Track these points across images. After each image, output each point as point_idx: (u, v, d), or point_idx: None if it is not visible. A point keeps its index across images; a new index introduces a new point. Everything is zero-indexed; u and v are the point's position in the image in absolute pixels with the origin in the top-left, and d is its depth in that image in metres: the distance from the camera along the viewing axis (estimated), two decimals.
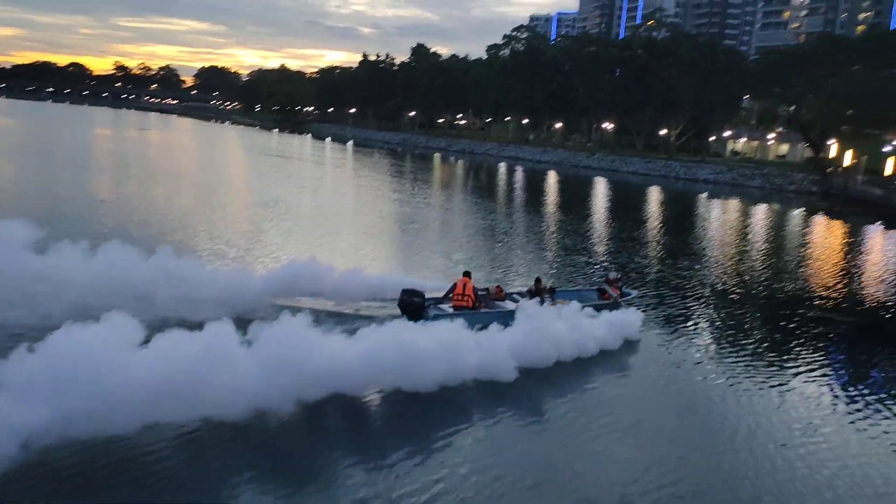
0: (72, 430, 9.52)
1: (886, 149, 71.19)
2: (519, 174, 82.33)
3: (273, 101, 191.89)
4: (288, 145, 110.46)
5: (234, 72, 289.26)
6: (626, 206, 55.25)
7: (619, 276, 20.56)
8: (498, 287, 18.50)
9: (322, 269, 18.09)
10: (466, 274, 17.49)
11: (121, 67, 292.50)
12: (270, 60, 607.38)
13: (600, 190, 68.49)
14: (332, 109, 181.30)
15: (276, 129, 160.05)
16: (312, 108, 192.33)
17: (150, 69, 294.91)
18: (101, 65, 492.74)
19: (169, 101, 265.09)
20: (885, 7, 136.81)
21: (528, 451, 11.42)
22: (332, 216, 36.98)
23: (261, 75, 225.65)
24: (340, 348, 12.31)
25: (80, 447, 9.69)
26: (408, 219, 37.61)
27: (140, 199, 37.18)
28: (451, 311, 16.53)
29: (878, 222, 48.88)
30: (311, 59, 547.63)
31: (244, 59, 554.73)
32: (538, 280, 18.92)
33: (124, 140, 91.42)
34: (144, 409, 10.08)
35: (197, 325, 11.86)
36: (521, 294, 18.29)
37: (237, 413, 10.79)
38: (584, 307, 17.26)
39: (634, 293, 20.49)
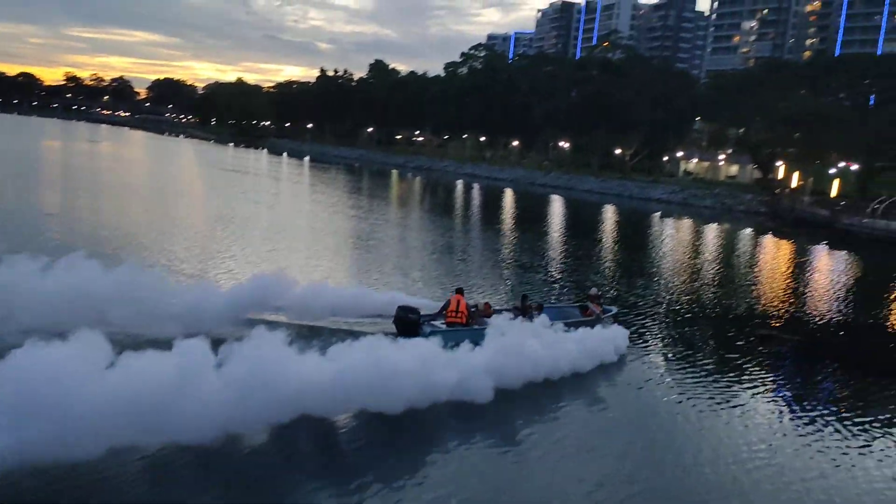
0: (33, 456, 9.06)
1: (832, 171, 73.59)
2: (476, 191, 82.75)
3: (229, 115, 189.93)
4: (244, 160, 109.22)
5: (190, 84, 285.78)
6: (583, 225, 55.92)
7: (599, 292, 20.77)
8: (486, 304, 18.50)
9: (289, 283, 17.80)
10: (459, 291, 17.63)
11: (72, 78, 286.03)
12: (227, 74, 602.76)
13: (556, 208, 69.22)
14: (289, 124, 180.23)
15: (232, 144, 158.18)
16: (269, 122, 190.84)
17: (102, 80, 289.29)
18: (51, 75, 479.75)
19: (121, 113, 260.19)
20: (830, 34, 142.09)
21: (493, 474, 11.31)
22: (288, 232, 36.59)
23: (217, 88, 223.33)
24: (315, 368, 11.95)
25: (41, 474, 9.29)
26: (365, 235, 37.40)
27: (91, 214, 36.26)
28: (444, 327, 16.61)
29: (824, 242, 50.37)
30: (268, 73, 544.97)
31: (200, 71, 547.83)
32: (524, 297, 19.11)
33: (74, 152, 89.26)
34: (111, 434, 9.64)
35: (164, 343, 11.50)
36: (510, 311, 18.28)
37: (206, 437, 10.41)
38: (567, 324, 17.52)
39: (614, 309, 20.75)
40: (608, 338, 17.44)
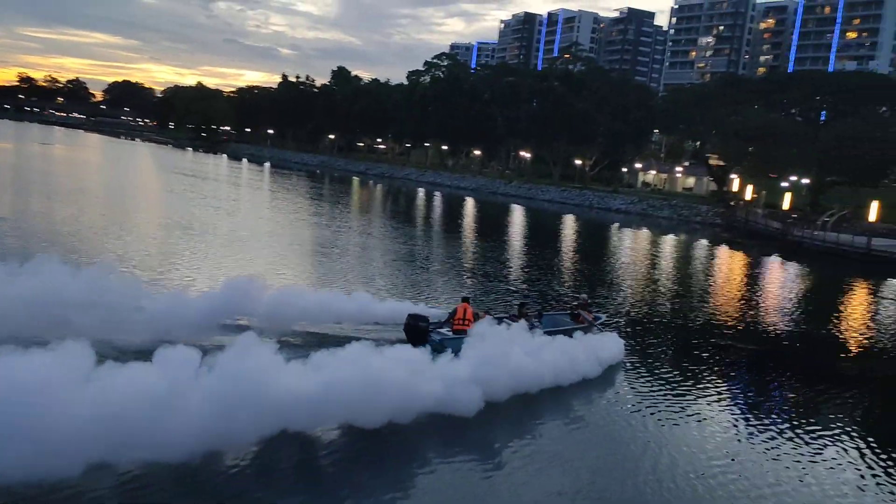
0: (4, 474, 8.64)
1: (784, 184, 75.58)
2: (438, 200, 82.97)
3: (188, 120, 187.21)
4: (203, 165, 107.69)
5: (148, 87, 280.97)
6: (544, 234, 56.45)
7: (588, 300, 21.16)
8: (485, 312, 18.73)
9: (261, 288, 17.65)
10: (465, 300, 18.07)
11: (25, 79, 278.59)
12: (186, 77, 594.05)
13: (518, 217, 69.77)
14: (249, 130, 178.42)
15: (191, 148, 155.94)
16: (229, 127, 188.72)
17: (57, 81, 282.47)
18: (4, 75, 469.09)
19: (76, 115, 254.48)
20: (783, 51, 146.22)
21: (468, 488, 11.34)
22: (249, 239, 36.20)
23: (176, 92, 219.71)
24: (301, 379, 11.57)
25: (13, 494, 8.91)
26: (329, 243, 37.23)
27: (43, 218, 35.38)
28: (451, 335, 16.87)
29: (776, 254, 51.68)
30: (228, 77, 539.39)
31: (158, 75, 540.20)
32: (522, 304, 19.48)
33: (26, 155, 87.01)
34: (90, 450, 9.22)
35: (141, 352, 11.23)
36: (508, 319, 18.50)
37: (188, 452, 10.10)
38: (560, 332, 17.97)
39: (603, 317, 21.17)
40: (604, 345, 17.95)
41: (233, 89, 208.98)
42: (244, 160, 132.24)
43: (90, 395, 9.45)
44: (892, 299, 36.62)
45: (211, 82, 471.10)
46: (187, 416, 10.01)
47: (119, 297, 15.17)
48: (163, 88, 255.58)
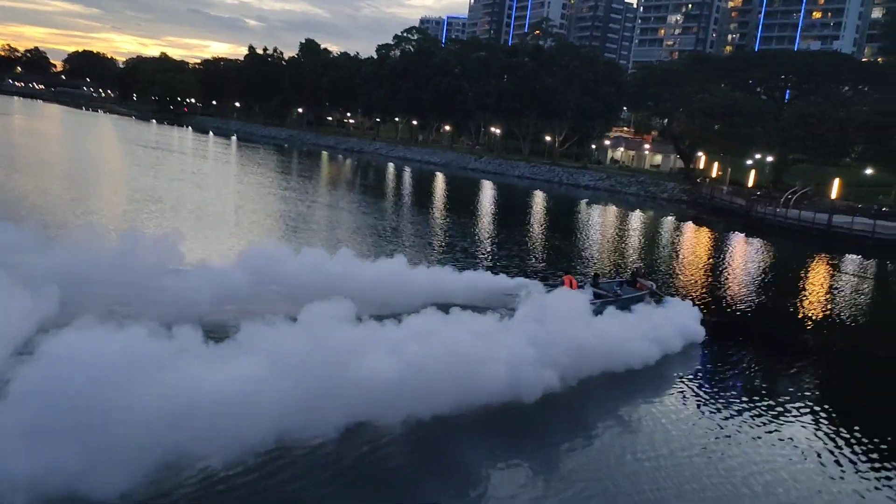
0: (61, 485, 8.13)
1: (748, 162, 76.82)
2: (407, 174, 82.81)
3: (152, 92, 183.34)
4: (168, 138, 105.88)
5: (110, 58, 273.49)
6: (514, 210, 56.78)
7: (642, 267, 22.58)
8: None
9: (286, 255, 17.90)
10: (567, 273, 20.61)
11: None
12: (149, 48, 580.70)
13: (488, 193, 70.03)
14: (215, 102, 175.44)
15: (154, 121, 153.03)
16: (194, 100, 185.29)
17: (15, 51, 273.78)
18: None
19: (35, 85, 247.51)
20: (750, 30, 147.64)
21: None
22: (218, 213, 35.92)
23: (139, 63, 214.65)
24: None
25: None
26: (298, 217, 37.10)
27: (4, 191, 34.70)
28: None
29: (740, 230, 52.75)
30: (193, 48, 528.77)
31: (121, 45, 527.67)
32: (595, 276, 21.66)
33: None
34: (161, 449, 8.93)
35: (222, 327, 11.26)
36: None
37: (262, 444, 10.02)
38: (631, 300, 20.08)
39: (654, 285, 22.77)
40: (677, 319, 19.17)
41: (198, 61, 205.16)
42: (210, 133, 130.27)
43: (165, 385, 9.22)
44: (851, 274, 37.73)
45: (175, 53, 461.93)
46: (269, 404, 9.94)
47: (138, 277, 14.87)
48: (125, 59, 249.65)
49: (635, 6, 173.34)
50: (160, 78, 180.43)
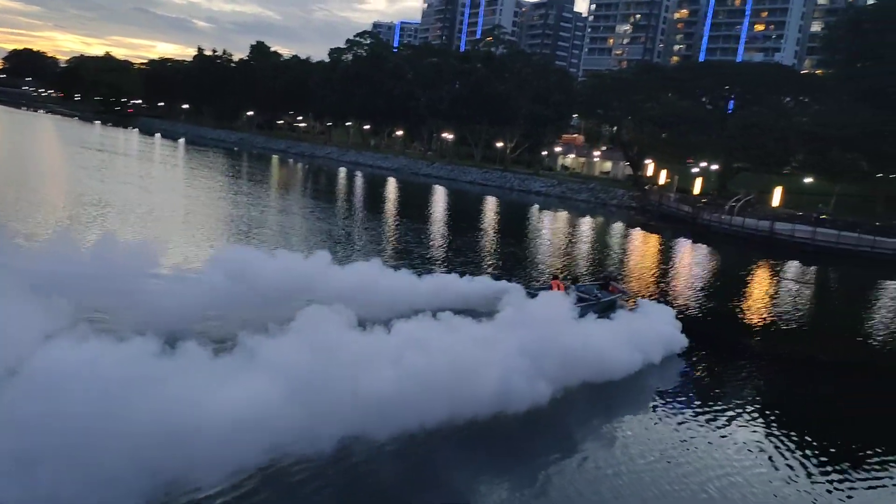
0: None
1: (695, 170, 78.59)
2: (360, 179, 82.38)
3: (96, 92, 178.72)
4: (112, 140, 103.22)
5: (52, 57, 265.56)
6: (466, 215, 56.93)
7: (613, 273, 22.85)
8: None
9: (264, 257, 17.47)
10: (555, 277, 20.88)
11: None
12: (93, 47, 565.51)
13: (440, 198, 70.10)
14: (162, 104, 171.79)
15: (99, 122, 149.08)
16: (140, 101, 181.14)
17: None
18: None
19: None
20: (695, 41, 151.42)
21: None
22: (169, 218, 35.11)
23: (82, 62, 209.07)
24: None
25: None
26: (252, 222, 36.52)
27: None
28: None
29: (687, 237, 53.90)
30: (139, 49, 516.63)
31: (63, 43, 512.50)
32: (575, 278, 22.26)
33: None
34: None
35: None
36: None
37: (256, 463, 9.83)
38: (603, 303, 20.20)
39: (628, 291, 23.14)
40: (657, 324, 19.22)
41: (144, 61, 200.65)
42: (157, 135, 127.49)
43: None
44: (793, 280, 38.87)
45: (120, 53, 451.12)
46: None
47: (114, 282, 14.37)
48: (68, 58, 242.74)
49: (585, 15, 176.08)
50: (104, 78, 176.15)
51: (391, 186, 77.47)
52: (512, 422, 13.05)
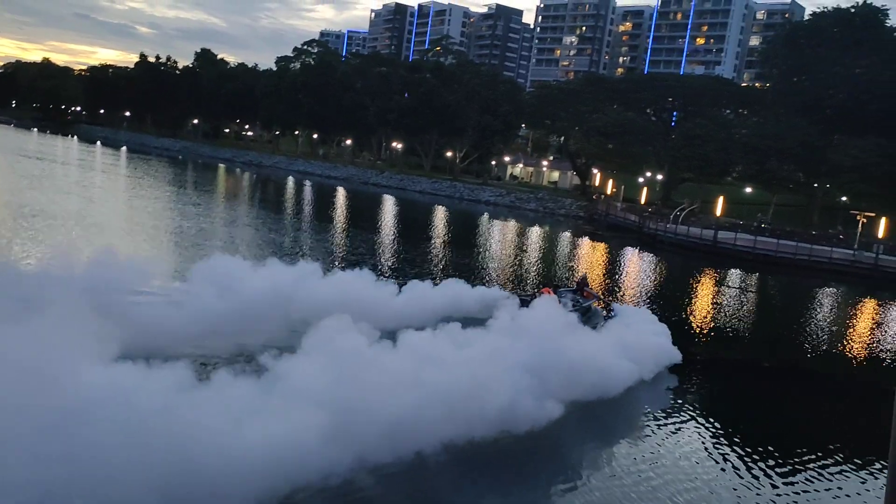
0: None
1: (640, 180, 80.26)
2: (308, 189, 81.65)
3: (33, 98, 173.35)
4: (51, 147, 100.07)
5: None
6: (416, 225, 56.94)
7: (586, 276, 22.85)
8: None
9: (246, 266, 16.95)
10: (545, 284, 21.27)
11: None
12: (31, 53, 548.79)
13: (389, 207, 69.95)
14: (103, 111, 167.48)
15: (36, 129, 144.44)
16: (80, 108, 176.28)
17: None
18: None
19: None
20: (640, 54, 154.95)
21: None
22: (116, 229, 34.13)
23: (18, 68, 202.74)
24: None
25: None
26: (201, 233, 35.76)
27: None
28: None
29: (634, 245, 54.92)
30: (79, 55, 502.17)
31: None
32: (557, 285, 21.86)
33: None
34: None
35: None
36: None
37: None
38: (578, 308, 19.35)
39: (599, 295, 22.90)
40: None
41: (84, 68, 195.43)
42: (98, 143, 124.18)
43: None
44: (735, 287, 39.94)
45: (59, 59, 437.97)
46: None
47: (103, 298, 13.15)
48: (3, 64, 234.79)
49: (532, 27, 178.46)
50: (42, 84, 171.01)
51: (341, 196, 76.98)
52: (507, 439, 12.53)
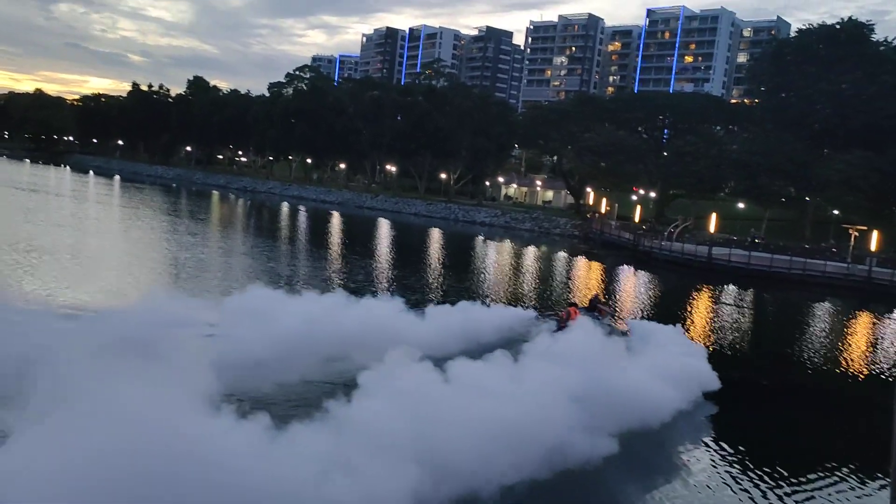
0: None
1: (634, 197, 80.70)
2: (303, 215, 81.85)
3: (26, 129, 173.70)
4: (44, 178, 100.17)
5: None
6: (412, 248, 57.09)
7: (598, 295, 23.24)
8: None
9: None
10: (572, 304, 21.20)
11: None
12: (23, 83, 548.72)
13: (385, 231, 70.14)
14: (96, 140, 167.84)
15: (28, 160, 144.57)
16: (72, 137, 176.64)
17: None
18: None
19: None
20: (629, 72, 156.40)
21: None
22: (99, 261, 34.18)
23: (11, 99, 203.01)
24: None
25: None
26: (186, 262, 35.83)
27: None
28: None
29: (629, 263, 55.13)
30: (71, 84, 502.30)
31: None
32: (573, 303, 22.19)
33: None
34: None
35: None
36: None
37: None
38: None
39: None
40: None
41: (77, 97, 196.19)
42: (91, 173, 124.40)
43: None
44: (730, 304, 40.11)
45: (51, 89, 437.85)
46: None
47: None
48: None
49: (522, 48, 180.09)
50: (35, 115, 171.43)
51: (336, 221, 77.16)
52: (556, 475, 11.79)
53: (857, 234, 57.25)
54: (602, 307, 22.07)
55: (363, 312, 17.44)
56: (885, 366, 26.37)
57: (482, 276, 43.42)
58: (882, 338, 33.59)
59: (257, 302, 16.68)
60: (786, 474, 14.43)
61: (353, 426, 9.59)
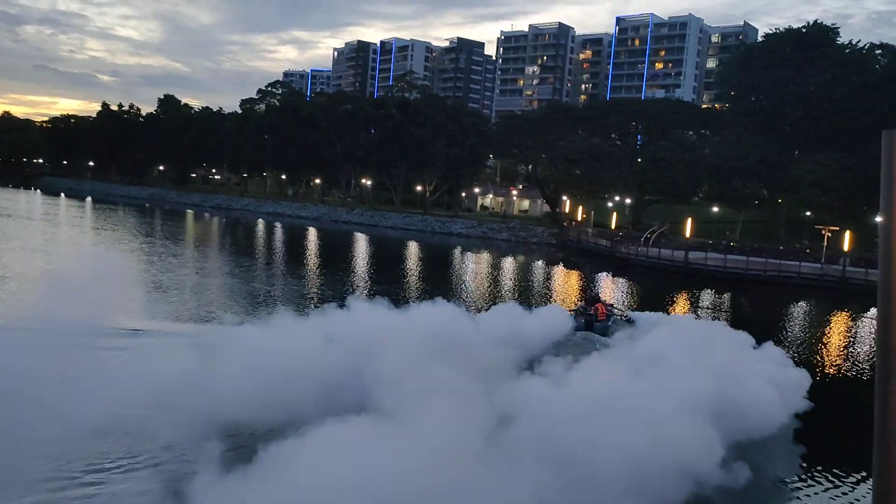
0: None
1: (610, 204, 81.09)
2: (279, 231, 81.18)
3: None
4: (13, 202, 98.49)
5: None
6: (389, 261, 56.74)
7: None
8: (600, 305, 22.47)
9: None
10: (597, 300, 22.67)
11: None
12: None
13: (361, 245, 69.72)
14: (66, 162, 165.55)
15: None
16: (43, 160, 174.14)
17: None
18: None
19: None
20: (601, 80, 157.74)
21: None
22: (74, 286, 33.39)
23: None
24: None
25: None
26: (163, 284, 35.23)
27: None
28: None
29: (607, 270, 55.23)
30: (39, 106, 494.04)
31: None
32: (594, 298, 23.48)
33: None
34: None
35: None
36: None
37: None
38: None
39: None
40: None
41: (45, 119, 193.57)
42: (62, 195, 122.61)
43: None
44: (709, 309, 40.24)
45: (20, 111, 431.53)
46: None
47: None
48: None
49: (494, 58, 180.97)
50: (4, 138, 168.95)
51: (312, 237, 76.62)
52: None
53: (829, 234, 57.89)
54: (603, 305, 22.80)
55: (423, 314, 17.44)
56: (864, 366, 26.50)
57: (462, 287, 43.18)
58: (859, 337, 33.83)
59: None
60: (767, 475, 14.32)
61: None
